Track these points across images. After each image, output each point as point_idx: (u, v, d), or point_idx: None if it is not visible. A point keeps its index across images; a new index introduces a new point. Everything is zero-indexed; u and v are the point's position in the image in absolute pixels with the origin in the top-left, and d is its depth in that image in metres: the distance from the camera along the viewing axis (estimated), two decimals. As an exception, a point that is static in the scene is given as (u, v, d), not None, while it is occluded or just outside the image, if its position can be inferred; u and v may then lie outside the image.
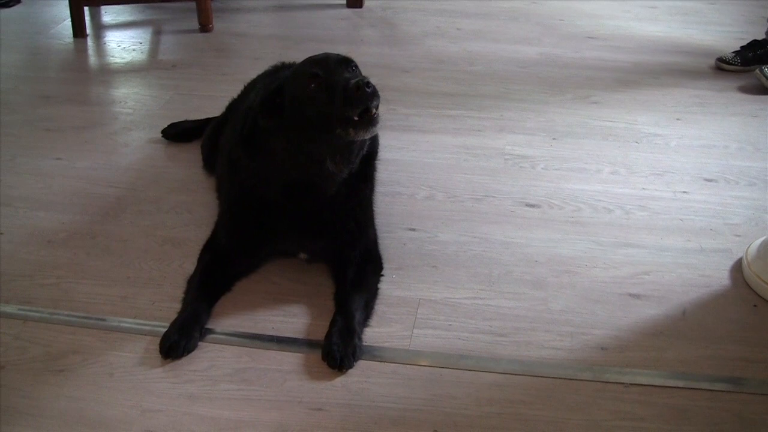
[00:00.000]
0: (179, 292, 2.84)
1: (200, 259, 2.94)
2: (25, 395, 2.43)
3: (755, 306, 2.86)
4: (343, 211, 2.83)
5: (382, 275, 2.95)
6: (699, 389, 2.49)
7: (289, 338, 2.68)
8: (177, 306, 2.76)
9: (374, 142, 2.91)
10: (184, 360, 2.56)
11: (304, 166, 2.67)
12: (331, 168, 2.66)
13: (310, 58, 2.71)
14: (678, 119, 4.27)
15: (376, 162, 2.97)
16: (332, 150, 2.61)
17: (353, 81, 2.47)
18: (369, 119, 2.50)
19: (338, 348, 2.54)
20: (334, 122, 2.51)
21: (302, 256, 2.97)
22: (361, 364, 2.55)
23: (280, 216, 2.81)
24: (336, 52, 2.77)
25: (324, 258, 2.97)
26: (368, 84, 2.46)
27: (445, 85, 4.70)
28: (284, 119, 2.64)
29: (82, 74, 4.96)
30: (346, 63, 2.65)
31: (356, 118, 2.48)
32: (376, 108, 2.51)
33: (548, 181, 3.63)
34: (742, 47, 4.96)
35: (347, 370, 2.52)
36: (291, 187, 2.73)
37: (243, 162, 2.79)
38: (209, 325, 2.71)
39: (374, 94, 2.48)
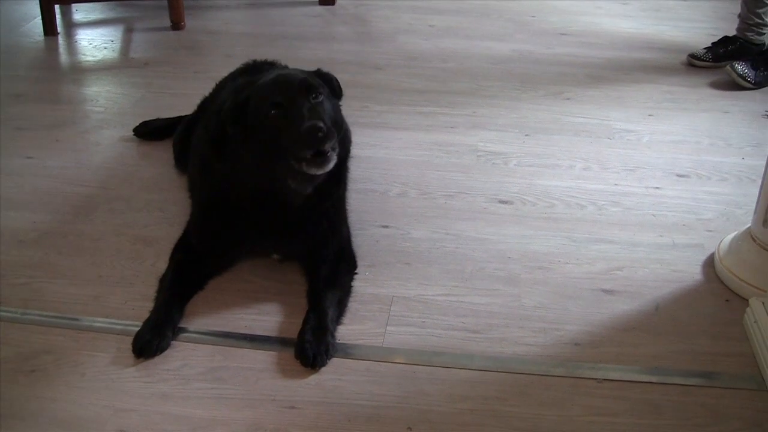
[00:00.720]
0: (152, 291, 2.82)
1: (172, 258, 2.93)
2: (-5, 396, 2.42)
3: (727, 301, 2.87)
4: (315, 213, 2.83)
5: (356, 273, 2.95)
6: (672, 384, 2.50)
7: (262, 336, 2.67)
8: (149, 305, 2.75)
9: (346, 142, 2.91)
10: (157, 359, 2.55)
11: (266, 179, 2.69)
12: (293, 185, 2.67)
13: (275, 78, 2.72)
14: (650, 115, 4.29)
15: (349, 162, 2.97)
16: (292, 172, 2.63)
17: (306, 125, 2.49)
18: (321, 159, 2.54)
19: (311, 346, 2.54)
20: (288, 155, 2.55)
21: (275, 256, 2.97)
22: (335, 362, 2.55)
23: (251, 218, 2.81)
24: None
25: (297, 258, 2.96)
26: (320, 128, 2.48)
27: (418, 81, 4.70)
28: (248, 131, 2.65)
29: (53, 72, 4.93)
30: (309, 90, 2.64)
31: (309, 157, 2.53)
32: (333, 148, 2.56)
33: (521, 177, 3.63)
34: (713, 43, 4.97)
35: (320, 368, 2.52)
36: (258, 195, 2.74)
37: (213, 164, 2.80)
38: (182, 324, 2.70)
39: (326, 138, 2.50)
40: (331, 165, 2.58)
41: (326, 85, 2.79)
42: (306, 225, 2.84)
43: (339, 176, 2.86)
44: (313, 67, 2.87)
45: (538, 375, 2.53)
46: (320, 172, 2.58)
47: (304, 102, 2.58)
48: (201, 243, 2.93)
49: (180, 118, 3.81)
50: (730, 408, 2.42)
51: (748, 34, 4.82)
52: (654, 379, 2.51)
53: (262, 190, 2.73)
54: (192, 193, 3.13)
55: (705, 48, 4.96)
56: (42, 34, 5.36)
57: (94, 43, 5.27)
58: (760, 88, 4.61)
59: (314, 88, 2.65)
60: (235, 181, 2.75)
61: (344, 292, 2.84)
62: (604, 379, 2.51)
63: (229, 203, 2.81)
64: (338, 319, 2.72)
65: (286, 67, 3.45)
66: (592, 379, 2.51)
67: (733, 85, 4.61)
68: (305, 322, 2.64)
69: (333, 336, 2.62)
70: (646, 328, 2.74)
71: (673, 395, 2.46)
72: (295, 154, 2.54)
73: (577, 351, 2.63)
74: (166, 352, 2.58)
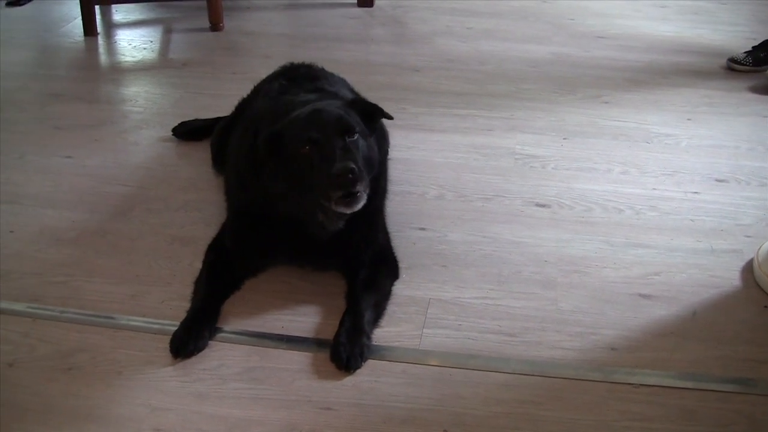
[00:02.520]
0: (189, 291, 2.84)
1: (205, 260, 2.95)
2: (34, 393, 2.44)
3: (766, 307, 2.85)
4: (347, 231, 2.83)
5: (397, 279, 2.95)
6: (708, 390, 2.48)
7: (298, 337, 2.68)
8: (186, 305, 2.77)
9: (383, 148, 2.94)
10: (194, 359, 2.57)
11: (297, 210, 2.73)
12: (322, 219, 2.70)
13: (312, 113, 2.71)
14: (689, 119, 4.26)
15: (388, 168, 2.99)
16: (322, 207, 2.66)
17: (338, 166, 2.50)
18: (351, 200, 2.56)
19: (345, 348, 2.54)
20: (318, 193, 2.58)
21: (310, 268, 2.97)
22: (371, 364, 2.55)
23: (284, 234, 2.82)
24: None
25: (332, 268, 2.96)
26: (352, 170, 2.50)
27: (455, 84, 4.70)
28: (282, 163, 2.67)
29: (93, 72, 4.97)
30: (345, 129, 2.64)
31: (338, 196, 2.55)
32: (364, 189, 2.58)
33: (558, 180, 3.62)
34: (753, 47, 4.94)
35: (354, 370, 2.52)
36: (290, 224, 2.77)
37: (249, 180, 2.83)
38: (219, 324, 2.71)
39: (356, 180, 2.52)
40: (360, 205, 2.60)
41: (366, 114, 2.82)
42: (339, 241, 2.84)
43: (372, 194, 2.85)
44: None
45: (574, 379, 2.52)
46: (349, 211, 2.61)
47: (338, 141, 2.59)
48: (235, 248, 2.94)
49: (218, 118, 3.83)
50: (767, 414, 2.40)
51: (789, 38, 4.79)
52: (690, 384, 2.50)
53: (291, 218, 2.76)
54: (228, 197, 3.14)
55: (745, 52, 4.93)
56: (82, 34, 5.40)
57: (134, 43, 5.30)
58: (800, 93, 4.58)
59: (350, 127, 2.65)
60: (268, 202, 2.78)
61: (382, 295, 2.83)
62: (641, 385, 2.49)
63: (263, 218, 2.83)
64: (375, 321, 2.72)
65: (322, 69, 3.47)
66: (629, 384, 2.50)
67: (773, 90, 4.59)
68: (341, 324, 2.65)
69: (369, 338, 2.62)
70: (684, 333, 2.72)
71: (709, 401, 2.44)
72: (325, 193, 2.57)
73: (613, 356, 2.62)
74: (202, 352, 2.59)
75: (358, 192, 2.55)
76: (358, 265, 2.87)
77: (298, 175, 2.62)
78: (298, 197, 2.67)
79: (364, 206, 2.68)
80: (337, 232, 2.79)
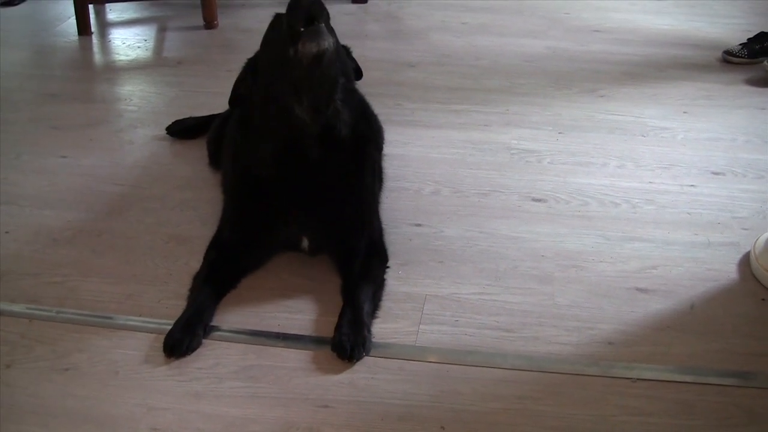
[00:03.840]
0: (185, 290, 2.83)
1: (206, 257, 2.94)
2: (31, 394, 2.43)
3: (763, 300, 2.85)
4: (337, 186, 2.83)
5: (388, 267, 2.94)
6: (707, 384, 2.47)
7: (295, 335, 2.67)
8: (183, 303, 2.76)
9: (364, 117, 2.98)
10: (190, 358, 2.56)
11: (276, 120, 2.70)
12: (300, 114, 2.65)
13: None
14: (685, 112, 4.26)
15: (378, 154, 2.99)
16: (293, 87, 2.63)
17: None
18: (314, 30, 2.53)
19: (348, 339, 2.54)
20: (287, 44, 2.57)
21: (305, 244, 2.94)
22: (368, 360, 2.55)
23: (278, 195, 2.81)
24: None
25: (327, 247, 2.96)
26: None
27: (451, 79, 4.69)
28: (258, 76, 2.75)
29: (87, 72, 4.96)
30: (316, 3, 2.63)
31: (302, 29, 2.53)
32: (328, 29, 2.59)
33: (555, 175, 3.62)
34: (749, 39, 4.94)
35: (357, 360, 2.52)
36: (277, 155, 2.75)
37: (238, 143, 2.86)
38: (215, 323, 2.70)
39: (315, 3, 2.55)
40: (325, 41, 2.55)
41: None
42: (330, 200, 2.83)
43: (360, 155, 2.89)
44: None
45: (571, 374, 2.52)
46: (312, 48, 2.54)
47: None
48: (233, 231, 2.94)
49: (213, 116, 3.82)
50: (766, 408, 2.39)
51: (784, 30, 4.79)
52: (689, 378, 2.49)
53: (277, 149, 2.74)
54: (224, 187, 3.15)
55: (740, 44, 4.93)
56: (76, 33, 5.39)
57: (128, 42, 5.29)
58: (796, 84, 4.58)
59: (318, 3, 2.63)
60: (256, 151, 2.79)
61: (378, 285, 2.83)
62: (639, 379, 2.49)
63: (256, 183, 2.83)
64: (373, 313, 2.72)
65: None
66: (626, 378, 2.49)
67: (769, 82, 4.58)
68: (341, 316, 2.65)
69: (369, 331, 2.62)
70: (681, 327, 2.72)
71: (707, 395, 2.43)
72: (290, 33, 2.55)
73: (611, 350, 2.62)
74: (198, 351, 2.58)
75: (320, 22, 2.56)
76: (353, 252, 2.87)
77: (269, 54, 2.72)
78: (273, 91, 2.69)
79: (348, 166, 2.80)
80: (328, 192, 2.82)
